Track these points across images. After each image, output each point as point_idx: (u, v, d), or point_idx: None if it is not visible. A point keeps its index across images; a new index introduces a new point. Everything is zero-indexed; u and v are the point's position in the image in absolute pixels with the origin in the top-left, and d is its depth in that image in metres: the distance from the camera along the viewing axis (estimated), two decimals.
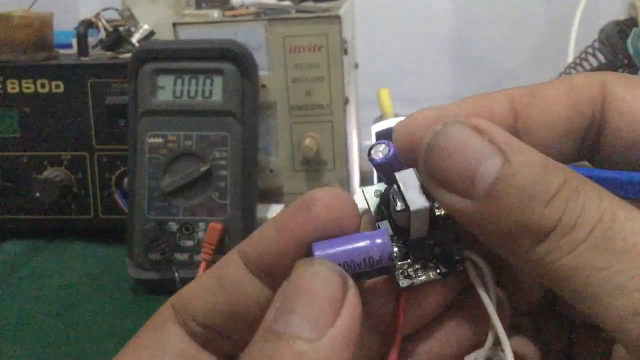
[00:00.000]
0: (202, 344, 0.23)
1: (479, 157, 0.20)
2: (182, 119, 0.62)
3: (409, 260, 0.22)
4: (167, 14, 0.80)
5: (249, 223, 0.61)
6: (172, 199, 0.61)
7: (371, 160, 0.22)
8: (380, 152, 0.22)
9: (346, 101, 0.70)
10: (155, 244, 0.60)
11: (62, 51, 0.78)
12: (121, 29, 0.75)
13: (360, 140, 0.85)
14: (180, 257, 0.61)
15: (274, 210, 0.68)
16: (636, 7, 0.75)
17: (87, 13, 0.81)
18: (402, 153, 0.22)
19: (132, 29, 0.75)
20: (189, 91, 0.63)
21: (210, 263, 0.58)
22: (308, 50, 0.68)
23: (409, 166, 0.22)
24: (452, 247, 0.23)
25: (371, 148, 0.22)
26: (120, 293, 0.62)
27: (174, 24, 0.70)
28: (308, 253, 0.21)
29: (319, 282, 0.20)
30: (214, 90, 0.62)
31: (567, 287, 0.19)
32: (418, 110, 0.22)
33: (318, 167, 0.71)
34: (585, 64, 0.79)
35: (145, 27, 0.75)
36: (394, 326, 0.22)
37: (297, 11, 0.72)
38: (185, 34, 0.69)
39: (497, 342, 0.22)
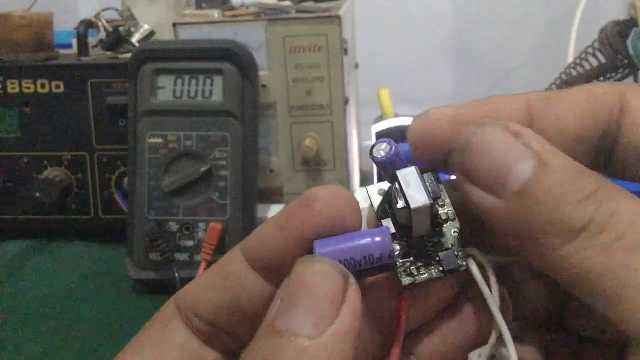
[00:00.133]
0: (205, 340, 0.23)
1: (513, 157, 0.20)
2: (182, 119, 0.62)
3: (411, 258, 0.22)
4: (167, 14, 0.80)
5: (249, 223, 0.61)
6: (172, 199, 0.61)
7: (373, 158, 0.22)
8: (382, 150, 0.22)
9: (346, 101, 0.70)
10: (155, 244, 0.60)
11: (62, 51, 0.78)
12: (121, 29, 0.75)
13: (360, 140, 0.85)
14: (180, 257, 0.61)
15: (274, 210, 0.68)
16: (636, 7, 0.75)
17: (87, 13, 0.81)
18: (417, 150, 0.22)
19: (132, 29, 0.75)
20: (189, 91, 0.63)
21: (210, 263, 0.58)
22: (308, 50, 0.68)
23: (411, 164, 0.22)
24: (455, 244, 0.23)
25: (373, 146, 0.22)
26: (120, 293, 0.62)
27: (174, 24, 0.70)
28: (310, 250, 0.21)
29: (320, 279, 0.20)
30: (214, 90, 0.62)
31: (593, 288, 0.19)
32: (434, 107, 0.23)
33: (318, 167, 0.71)
34: (585, 64, 0.79)
35: (145, 27, 0.75)
36: (397, 323, 0.22)
37: (297, 11, 0.72)
38: (185, 34, 0.69)
39: (500, 339, 0.22)
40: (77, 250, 0.73)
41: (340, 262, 0.21)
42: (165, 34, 0.76)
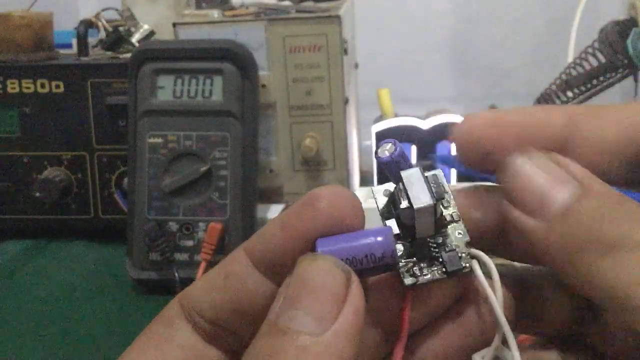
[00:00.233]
0: (209, 339, 0.23)
1: (556, 182, 0.21)
2: (182, 119, 0.62)
3: (414, 258, 0.22)
4: (167, 14, 0.80)
5: (249, 223, 0.61)
6: (172, 199, 0.61)
7: (378, 158, 0.22)
8: (387, 150, 0.22)
9: (346, 101, 0.70)
10: (155, 244, 0.60)
11: (62, 51, 0.78)
12: (121, 29, 0.75)
13: (360, 140, 0.85)
14: (180, 257, 0.61)
15: (274, 210, 0.68)
16: (636, 7, 0.75)
17: (87, 13, 0.81)
18: (459, 150, 0.23)
19: (132, 29, 0.75)
20: (189, 91, 0.63)
21: (210, 263, 0.58)
22: (308, 50, 0.68)
23: (415, 165, 0.22)
24: (459, 246, 0.23)
25: (378, 147, 0.22)
26: (120, 293, 0.62)
27: (174, 24, 0.70)
28: (312, 250, 0.21)
29: (322, 276, 0.20)
30: (214, 90, 0.62)
31: (627, 302, 0.19)
32: (474, 113, 0.23)
33: (318, 167, 0.71)
34: (585, 64, 0.79)
35: (145, 27, 0.75)
36: (400, 323, 0.22)
37: (297, 11, 0.72)
38: (185, 34, 0.69)
39: (504, 341, 0.22)
40: (77, 250, 0.73)
41: (342, 260, 0.21)
42: (165, 34, 0.76)
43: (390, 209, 0.23)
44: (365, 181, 0.82)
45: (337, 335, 0.19)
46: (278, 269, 0.22)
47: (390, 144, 0.22)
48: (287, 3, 0.78)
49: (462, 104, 1.08)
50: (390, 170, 0.22)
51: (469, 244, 0.23)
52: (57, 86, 0.72)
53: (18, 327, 0.57)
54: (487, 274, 0.23)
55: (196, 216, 0.61)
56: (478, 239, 0.23)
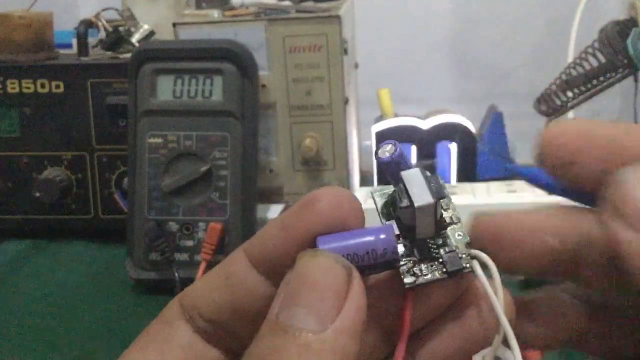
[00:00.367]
0: (209, 339, 0.24)
1: None
2: (182, 119, 0.62)
3: (414, 258, 0.23)
4: (167, 14, 0.80)
5: (249, 223, 0.61)
6: (172, 199, 0.61)
7: (378, 159, 0.22)
8: (387, 151, 0.22)
9: (346, 101, 0.70)
10: (155, 244, 0.60)
11: (62, 51, 0.78)
12: (121, 29, 0.75)
13: (360, 140, 0.85)
14: (180, 257, 0.61)
15: (274, 210, 0.68)
16: (636, 7, 0.75)
17: (87, 13, 0.81)
18: (545, 157, 0.23)
19: (132, 29, 0.75)
20: (189, 91, 0.63)
21: (210, 263, 0.58)
22: (308, 50, 0.68)
23: (412, 166, 0.22)
24: (459, 247, 0.23)
25: (378, 148, 0.22)
26: (120, 293, 0.62)
27: (174, 24, 0.70)
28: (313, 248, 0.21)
29: (322, 273, 0.20)
30: (214, 90, 0.62)
31: None
32: (561, 120, 0.23)
33: (318, 167, 0.71)
34: (585, 64, 0.79)
35: (145, 27, 0.75)
36: (401, 323, 0.22)
37: (297, 11, 0.72)
38: (185, 34, 0.69)
39: (505, 342, 0.22)
40: (77, 250, 0.73)
41: (343, 257, 0.21)
42: (165, 34, 0.76)
43: (390, 210, 0.23)
44: (365, 181, 0.82)
45: (339, 332, 0.19)
46: (277, 270, 0.22)
47: (390, 145, 0.22)
48: (287, 3, 0.78)
49: (462, 104, 1.08)
50: (390, 171, 0.22)
51: (469, 245, 0.23)
52: (57, 86, 0.72)
53: (18, 327, 0.57)
54: (488, 275, 0.23)
55: (196, 216, 0.61)
56: (551, 263, 0.22)
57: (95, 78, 0.71)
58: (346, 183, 0.71)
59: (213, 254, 0.59)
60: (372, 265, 0.21)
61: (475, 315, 0.23)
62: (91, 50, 0.75)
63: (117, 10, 0.79)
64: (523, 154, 0.92)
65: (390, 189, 0.24)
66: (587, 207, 0.22)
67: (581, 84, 0.80)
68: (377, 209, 0.23)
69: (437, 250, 0.23)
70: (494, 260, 0.23)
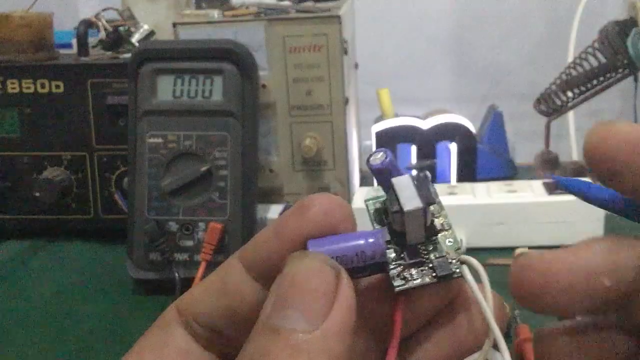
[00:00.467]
0: (205, 345, 0.24)
1: None
2: (182, 119, 0.62)
3: (405, 263, 0.23)
4: (167, 14, 0.80)
5: (249, 223, 0.61)
6: (172, 199, 0.61)
7: (369, 166, 0.23)
8: (378, 158, 0.23)
9: (346, 101, 0.70)
10: (155, 244, 0.60)
11: (62, 51, 0.78)
12: (121, 29, 0.75)
13: (360, 140, 0.85)
14: (180, 257, 0.61)
15: (274, 210, 0.68)
16: (636, 7, 0.75)
17: (87, 13, 0.81)
18: (589, 160, 0.21)
19: (132, 29, 0.75)
20: (189, 91, 0.63)
21: (210, 263, 0.58)
22: (308, 50, 0.68)
23: (406, 173, 0.23)
24: (450, 253, 0.23)
25: (370, 155, 0.23)
26: (120, 293, 0.62)
27: (174, 24, 0.70)
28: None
29: (311, 274, 0.20)
30: (214, 90, 0.62)
31: None
32: (607, 123, 0.21)
33: (318, 167, 0.71)
34: (585, 64, 0.79)
35: (145, 27, 0.75)
36: (393, 327, 0.22)
37: (297, 11, 0.72)
38: (185, 34, 0.69)
39: (495, 346, 0.22)
40: (77, 250, 0.73)
41: (332, 259, 0.21)
42: (165, 34, 0.76)
43: (382, 217, 0.24)
44: (366, 181, 0.82)
45: (328, 333, 0.19)
46: (272, 274, 0.22)
47: (381, 153, 0.23)
48: (287, 3, 0.78)
49: (462, 104, 1.08)
50: (381, 177, 0.23)
51: (459, 251, 0.23)
52: (57, 86, 0.72)
53: (18, 327, 0.57)
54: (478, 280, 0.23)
55: (196, 216, 0.61)
56: (604, 303, 0.21)
57: (95, 78, 0.71)
58: (346, 183, 0.71)
59: (213, 254, 0.59)
60: (361, 267, 0.22)
61: (466, 320, 0.23)
62: (91, 50, 0.75)
63: (117, 10, 0.79)
64: (523, 154, 0.92)
65: (384, 196, 0.24)
66: None
67: (581, 84, 0.80)
68: (370, 217, 0.24)
69: (427, 256, 0.23)
70: (539, 306, 0.21)
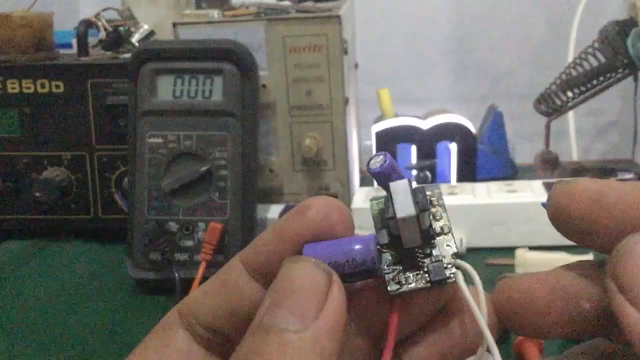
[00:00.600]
0: (207, 347, 0.24)
1: None
2: (182, 119, 0.62)
3: (401, 267, 0.23)
4: (167, 14, 0.80)
5: (249, 223, 0.61)
6: (172, 199, 0.61)
7: (368, 169, 0.23)
8: (378, 162, 0.23)
9: (346, 101, 0.70)
10: (155, 244, 0.60)
11: (62, 51, 0.78)
12: (121, 29, 0.75)
13: (360, 140, 0.85)
14: (180, 257, 0.61)
15: (274, 210, 0.68)
16: (636, 7, 0.75)
17: (87, 13, 0.81)
18: (555, 220, 0.21)
19: (132, 29, 0.75)
20: (189, 91, 0.63)
21: (210, 263, 0.58)
22: (308, 50, 0.68)
23: (405, 177, 0.23)
24: (446, 257, 0.23)
25: (370, 158, 0.23)
26: (120, 293, 0.62)
27: (174, 24, 0.70)
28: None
29: (304, 276, 0.21)
30: (214, 90, 0.62)
31: None
32: (580, 179, 0.21)
33: (318, 167, 0.71)
34: (585, 64, 0.79)
35: (145, 27, 0.75)
36: (388, 329, 0.23)
37: (297, 11, 0.72)
38: (185, 34, 0.69)
39: (488, 352, 0.22)
40: (77, 250, 0.73)
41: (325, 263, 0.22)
42: (165, 34, 0.76)
43: (383, 218, 0.24)
44: (365, 181, 0.82)
45: (318, 332, 0.20)
46: (272, 276, 0.22)
47: (381, 156, 0.23)
48: (287, 3, 0.78)
49: (462, 104, 1.08)
50: (380, 181, 0.23)
51: (455, 255, 0.23)
52: (57, 86, 0.72)
53: (18, 327, 0.57)
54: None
55: (196, 216, 0.61)
56: (584, 326, 0.21)
57: (95, 78, 0.71)
58: (346, 183, 0.71)
59: (213, 254, 0.59)
60: (352, 273, 0.22)
61: (460, 324, 0.23)
62: (91, 50, 0.75)
63: (117, 10, 0.79)
64: (523, 154, 0.92)
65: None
66: None
67: (581, 84, 0.80)
68: (372, 216, 0.24)
69: (423, 260, 0.23)
70: (520, 328, 0.22)
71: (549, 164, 0.83)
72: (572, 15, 0.96)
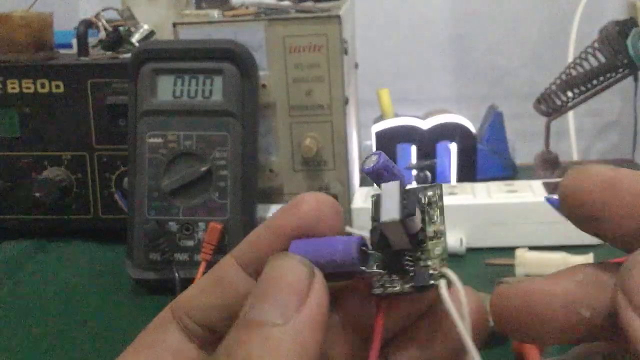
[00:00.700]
0: (200, 344, 0.24)
1: None
2: (182, 119, 0.62)
3: (388, 269, 0.23)
4: (167, 14, 0.80)
5: (249, 223, 0.61)
6: (172, 199, 0.61)
7: (362, 169, 0.23)
8: (372, 161, 0.23)
9: (346, 101, 0.70)
10: (155, 244, 0.60)
11: (62, 51, 0.78)
12: (121, 29, 0.75)
13: (360, 140, 0.85)
14: (180, 257, 0.61)
15: (274, 210, 0.68)
16: (636, 7, 0.75)
17: (87, 13, 0.81)
18: (566, 206, 0.21)
19: (132, 29, 0.75)
20: (189, 91, 0.63)
21: (210, 263, 0.58)
22: (308, 50, 0.68)
23: (400, 177, 0.23)
24: (435, 263, 0.23)
25: (366, 157, 0.23)
26: (120, 293, 0.62)
27: (174, 24, 0.70)
28: None
29: (286, 272, 0.21)
30: (214, 90, 0.62)
31: None
32: (591, 165, 0.21)
33: (318, 167, 0.71)
34: (585, 64, 0.79)
35: (145, 27, 0.75)
36: (374, 330, 0.23)
37: (297, 11, 0.72)
38: (185, 34, 0.69)
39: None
40: (77, 250, 0.73)
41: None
42: (165, 34, 0.76)
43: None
44: (365, 181, 0.82)
45: (300, 326, 0.20)
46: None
47: (375, 156, 0.23)
48: (287, 3, 0.78)
49: (462, 104, 1.08)
50: (374, 180, 0.23)
51: (444, 261, 0.23)
52: (57, 86, 0.72)
53: (18, 327, 0.57)
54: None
55: (196, 216, 0.61)
56: (584, 333, 0.21)
57: (95, 78, 0.71)
58: (346, 183, 0.71)
59: (213, 254, 0.59)
60: (333, 273, 0.22)
61: (446, 329, 0.23)
62: (91, 50, 0.75)
63: (117, 10, 0.79)
64: (523, 154, 0.92)
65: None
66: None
67: (581, 84, 0.80)
68: (371, 213, 0.24)
69: (411, 264, 0.23)
70: (518, 334, 0.22)
71: (549, 164, 0.83)
72: (572, 15, 0.96)
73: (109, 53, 0.75)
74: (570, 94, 0.81)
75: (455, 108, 0.89)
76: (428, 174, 0.78)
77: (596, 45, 0.77)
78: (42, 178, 0.71)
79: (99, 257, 0.71)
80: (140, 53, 0.64)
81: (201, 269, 0.58)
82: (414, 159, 0.80)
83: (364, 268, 0.23)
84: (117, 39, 0.74)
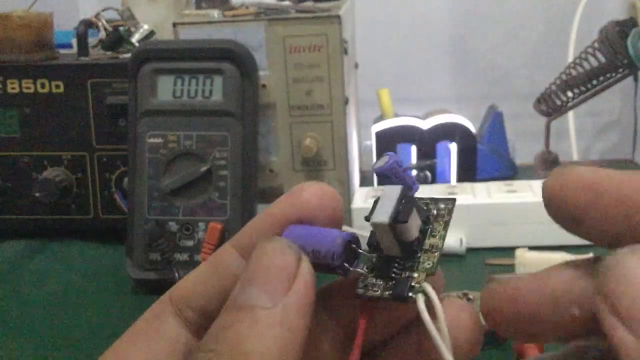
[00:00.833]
0: (196, 332, 0.24)
1: None
2: (182, 119, 0.62)
3: (375, 272, 0.23)
4: (167, 14, 0.80)
5: None
6: (172, 199, 0.61)
7: (373, 168, 0.24)
8: (381, 162, 0.23)
9: (346, 101, 0.70)
10: (155, 244, 0.60)
11: (62, 51, 0.78)
12: (121, 29, 0.75)
13: (360, 140, 0.85)
14: (180, 257, 0.61)
15: None
16: (636, 7, 0.75)
17: (87, 13, 0.81)
18: (549, 209, 0.21)
19: (132, 29, 0.75)
20: (189, 91, 0.63)
21: None
22: (308, 50, 0.68)
23: (404, 183, 0.23)
24: (419, 276, 0.22)
25: (379, 157, 0.24)
26: (120, 293, 0.62)
27: (174, 24, 0.70)
28: None
29: (274, 255, 0.21)
30: (214, 90, 0.62)
31: None
32: (573, 167, 0.21)
33: (318, 167, 0.71)
34: (585, 64, 0.79)
35: (145, 27, 0.75)
36: (356, 330, 0.23)
37: (297, 11, 0.72)
38: (185, 34, 0.69)
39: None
40: (77, 250, 0.73)
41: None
42: (165, 34, 0.76)
43: None
44: (365, 181, 0.82)
45: (287, 308, 0.20)
46: None
47: (386, 157, 0.23)
48: (287, 3, 0.78)
49: (462, 104, 1.08)
50: (382, 181, 0.23)
51: (430, 276, 0.22)
52: (57, 86, 0.72)
53: (18, 327, 0.57)
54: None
55: (196, 216, 0.61)
56: (575, 331, 0.21)
57: (95, 78, 0.71)
58: (346, 183, 0.71)
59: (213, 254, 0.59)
60: (316, 263, 0.22)
61: (429, 344, 0.23)
62: (91, 50, 0.75)
63: (117, 10, 0.79)
64: (523, 154, 0.92)
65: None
66: None
67: (581, 84, 0.80)
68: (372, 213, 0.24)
69: (398, 271, 0.23)
70: (509, 332, 0.22)
71: (549, 164, 0.83)
72: (572, 15, 0.96)
73: (109, 53, 0.75)
74: (570, 94, 0.81)
75: (455, 108, 0.89)
76: (428, 174, 0.78)
77: (596, 45, 0.77)
78: (42, 178, 0.71)
79: (99, 257, 0.71)
80: (140, 53, 0.64)
81: None
82: (414, 159, 0.80)
83: (346, 265, 0.23)
84: (117, 39, 0.74)
